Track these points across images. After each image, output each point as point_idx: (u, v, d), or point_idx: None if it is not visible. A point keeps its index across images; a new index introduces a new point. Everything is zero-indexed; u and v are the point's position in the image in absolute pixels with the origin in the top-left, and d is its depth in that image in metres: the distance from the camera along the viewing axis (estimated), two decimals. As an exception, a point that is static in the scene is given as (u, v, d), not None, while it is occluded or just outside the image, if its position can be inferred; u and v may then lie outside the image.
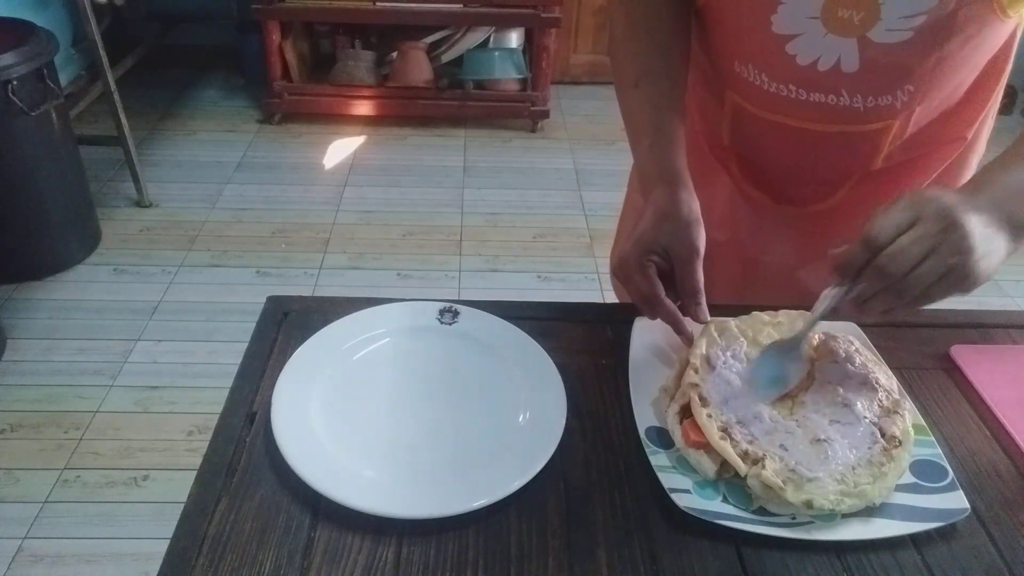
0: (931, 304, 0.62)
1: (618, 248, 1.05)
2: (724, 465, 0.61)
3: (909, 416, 0.66)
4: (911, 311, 0.62)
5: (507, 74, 3.07)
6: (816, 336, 0.73)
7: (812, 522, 0.59)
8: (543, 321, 0.80)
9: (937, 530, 0.59)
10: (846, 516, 0.60)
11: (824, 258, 0.65)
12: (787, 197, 0.90)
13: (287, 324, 0.78)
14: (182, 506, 0.59)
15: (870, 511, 0.60)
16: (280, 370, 0.70)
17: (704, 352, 0.70)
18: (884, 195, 0.83)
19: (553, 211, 2.67)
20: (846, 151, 0.81)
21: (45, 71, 1.99)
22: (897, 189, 0.82)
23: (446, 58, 3.06)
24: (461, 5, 2.88)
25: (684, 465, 0.63)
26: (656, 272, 0.71)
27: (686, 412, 0.65)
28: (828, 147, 0.81)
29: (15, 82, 1.90)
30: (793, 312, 0.76)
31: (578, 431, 0.68)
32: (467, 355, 0.75)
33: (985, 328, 0.83)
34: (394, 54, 3.03)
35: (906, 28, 0.67)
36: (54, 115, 2.07)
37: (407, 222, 2.56)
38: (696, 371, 0.67)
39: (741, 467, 0.60)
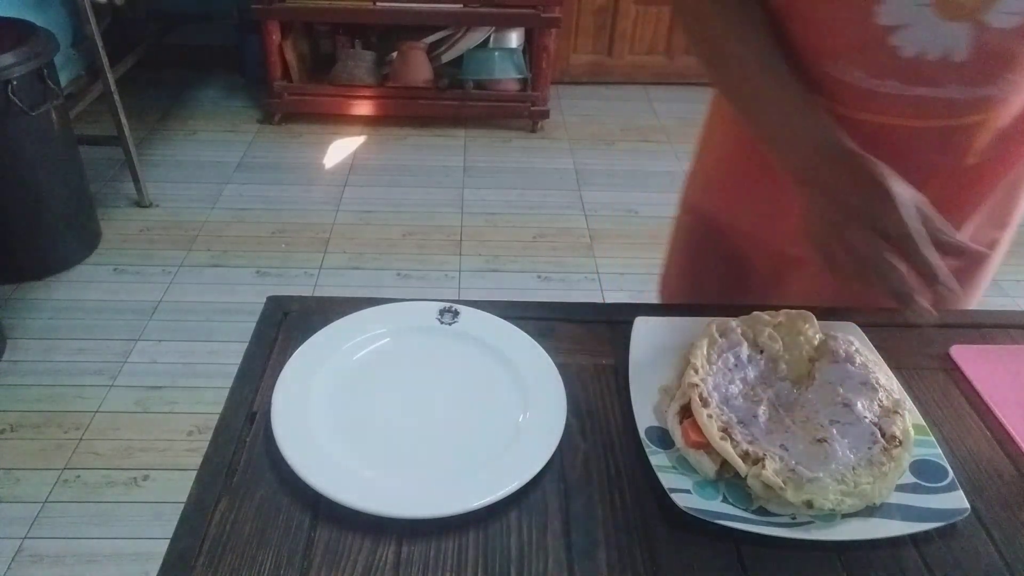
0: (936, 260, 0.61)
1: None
2: (724, 465, 0.61)
3: (909, 416, 0.66)
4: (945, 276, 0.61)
5: (507, 74, 3.07)
6: (816, 336, 0.73)
7: (812, 522, 0.59)
8: (543, 321, 0.80)
9: (937, 530, 0.59)
10: (846, 516, 0.59)
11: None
12: None
13: (287, 324, 0.78)
14: (182, 506, 0.59)
15: (870, 511, 0.60)
16: (280, 370, 0.70)
17: (705, 352, 0.70)
18: (970, 194, 0.80)
19: (553, 211, 2.67)
20: (938, 147, 0.76)
21: (45, 71, 1.99)
22: (982, 187, 0.79)
23: (446, 58, 3.06)
24: (461, 5, 2.88)
25: (684, 465, 0.63)
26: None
27: (686, 412, 0.65)
28: (920, 144, 0.76)
29: (15, 82, 1.90)
30: (793, 312, 0.76)
31: (578, 431, 0.68)
32: (467, 355, 0.75)
33: (985, 328, 0.83)
34: (394, 54, 3.03)
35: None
36: (54, 115, 2.07)
37: (407, 222, 2.57)
38: (696, 371, 0.67)
39: (741, 467, 0.60)
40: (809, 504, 0.58)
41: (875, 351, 0.74)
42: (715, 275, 1.01)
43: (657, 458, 0.64)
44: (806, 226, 0.71)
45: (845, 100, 0.75)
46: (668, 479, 0.62)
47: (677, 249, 1.04)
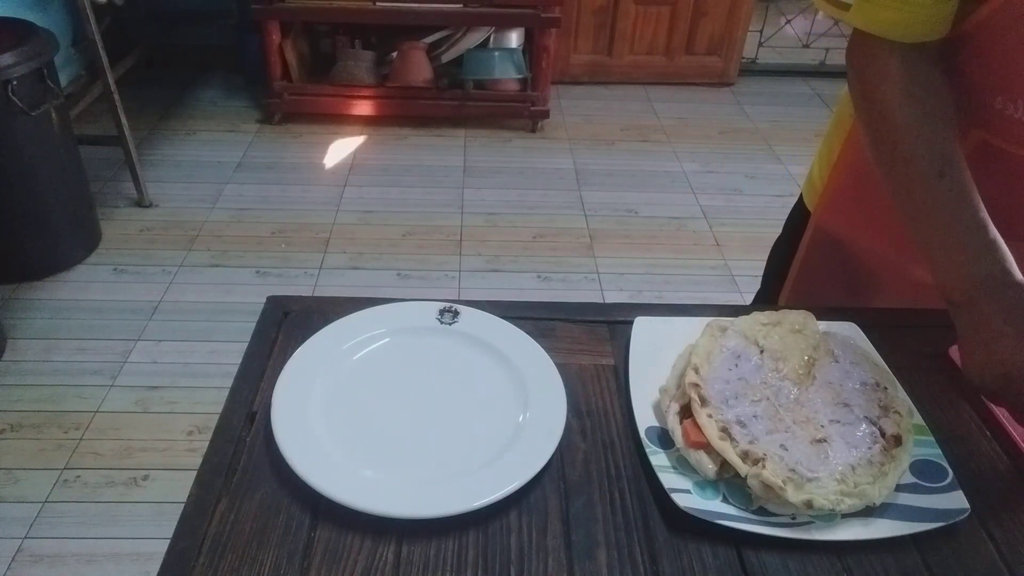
0: None
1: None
2: (724, 465, 0.61)
3: (909, 416, 0.66)
4: None
5: (507, 74, 3.07)
6: (816, 336, 0.73)
7: (812, 522, 0.59)
8: (543, 321, 0.80)
9: (937, 530, 0.59)
10: (846, 516, 0.60)
11: None
12: (1013, 233, 0.79)
13: (287, 324, 0.78)
14: (182, 506, 0.59)
15: (870, 511, 0.60)
16: (280, 370, 0.70)
17: (705, 352, 0.70)
18: None
19: (553, 211, 2.67)
20: None
21: (45, 71, 1.99)
22: None
23: (446, 58, 3.06)
24: (461, 5, 2.88)
25: (684, 465, 0.63)
26: None
27: (686, 412, 0.65)
28: None
29: (15, 82, 1.90)
30: (792, 312, 0.76)
31: (578, 431, 0.68)
32: (467, 355, 0.75)
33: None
34: (394, 54, 3.03)
35: None
36: (54, 115, 2.07)
37: (407, 222, 2.56)
38: (696, 371, 0.67)
39: (741, 467, 0.60)
40: (809, 504, 0.58)
41: (875, 351, 0.74)
42: (842, 293, 1.00)
43: (657, 458, 0.64)
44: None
45: (1008, 136, 0.75)
46: (668, 479, 0.62)
47: (804, 264, 1.01)
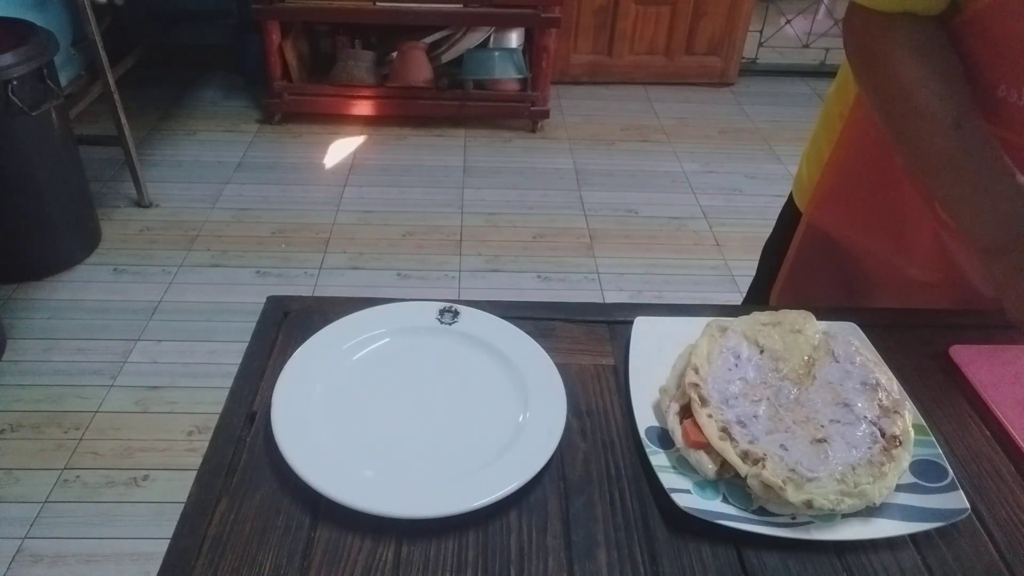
0: None
1: None
2: (724, 465, 0.61)
3: (909, 416, 0.66)
4: None
5: (507, 74, 3.07)
6: (816, 336, 0.73)
7: (812, 522, 0.59)
8: (543, 321, 0.80)
9: (937, 530, 0.59)
10: (846, 516, 0.60)
11: None
12: None
13: (287, 324, 0.78)
14: (182, 506, 0.59)
15: (870, 511, 0.60)
16: (280, 370, 0.70)
17: (705, 352, 0.70)
18: None
19: (553, 211, 2.67)
20: None
21: (45, 71, 1.99)
22: None
23: (446, 58, 3.06)
24: (461, 5, 2.88)
25: (684, 465, 0.63)
26: None
27: (686, 412, 0.65)
28: None
29: (15, 82, 1.90)
30: (792, 312, 0.76)
31: (578, 431, 0.68)
32: (467, 355, 0.75)
33: (985, 328, 0.83)
34: (394, 54, 3.03)
35: None
36: (54, 115, 2.07)
37: (407, 222, 2.57)
38: (696, 371, 0.67)
39: (741, 467, 0.60)
40: (809, 504, 0.58)
41: (875, 351, 0.74)
42: (834, 290, 1.00)
43: (657, 458, 0.64)
44: (1004, 303, 0.69)
45: (1009, 123, 0.74)
46: (668, 479, 0.62)
47: (796, 261, 1.01)
